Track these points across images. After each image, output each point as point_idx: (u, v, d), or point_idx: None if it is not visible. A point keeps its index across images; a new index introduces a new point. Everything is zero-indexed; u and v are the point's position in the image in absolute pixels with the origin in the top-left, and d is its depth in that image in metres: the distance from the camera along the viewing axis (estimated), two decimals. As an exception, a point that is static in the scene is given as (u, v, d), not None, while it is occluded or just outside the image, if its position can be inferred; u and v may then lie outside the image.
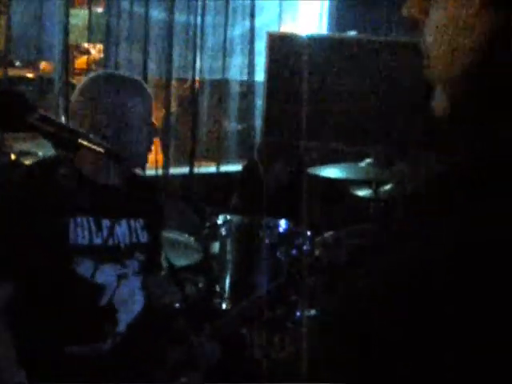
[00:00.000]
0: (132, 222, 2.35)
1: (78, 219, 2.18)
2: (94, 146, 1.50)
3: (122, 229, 2.30)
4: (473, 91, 0.80)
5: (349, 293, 0.81)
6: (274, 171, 4.02)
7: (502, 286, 0.65)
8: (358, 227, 3.14)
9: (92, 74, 2.35)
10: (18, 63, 5.33)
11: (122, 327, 2.29)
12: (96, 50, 5.71)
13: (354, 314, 0.75)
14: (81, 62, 5.78)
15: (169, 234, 3.32)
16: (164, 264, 2.65)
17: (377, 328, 0.72)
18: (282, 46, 5.05)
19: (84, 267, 2.19)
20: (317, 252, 3.07)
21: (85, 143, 1.49)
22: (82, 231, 2.19)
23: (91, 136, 1.56)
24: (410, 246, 0.74)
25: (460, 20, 0.78)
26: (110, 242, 2.26)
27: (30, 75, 5.38)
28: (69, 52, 4.82)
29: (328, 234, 3.11)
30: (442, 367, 0.66)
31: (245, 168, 4.47)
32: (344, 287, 0.85)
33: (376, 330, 0.72)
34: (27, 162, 3.75)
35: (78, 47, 5.75)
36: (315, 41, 5.06)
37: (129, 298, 2.31)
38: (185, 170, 5.19)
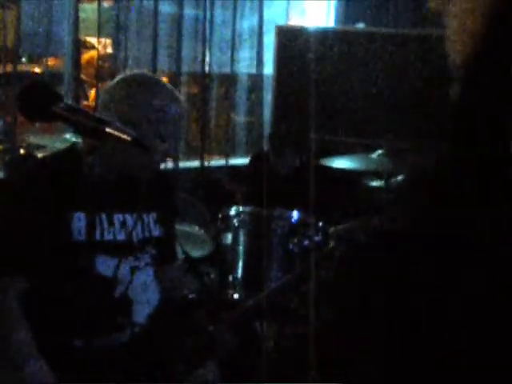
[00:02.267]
0: (145, 217, 2.34)
1: (91, 214, 2.17)
2: (121, 134, 1.51)
3: (134, 224, 2.30)
4: (487, 80, 0.82)
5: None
6: (285, 160, 4.03)
7: None
8: (370, 219, 3.15)
9: (127, 74, 2.33)
10: (25, 58, 5.35)
11: (139, 318, 2.30)
12: (103, 46, 5.71)
13: None
14: (87, 56, 5.79)
15: (180, 227, 3.34)
16: (180, 255, 2.66)
17: None
18: (291, 39, 5.06)
19: (97, 261, 2.20)
20: (330, 243, 3.07)
21: (111, 131, 1.50)
22: (95, 227, 2.20)
23: (118, 125, 1.57)
24: None
25: (476, 9, 0.81)
26: (122, 237, 2.26)
27: (37, 70, 5.40)
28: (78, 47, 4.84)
29: (341, 226, 3.11)
30: None
31: (251, 159, 4.47)
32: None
33: None
34: (39, 154, 3.78)
35: (85, 43, 5.76)
36: (323, 34, 5.07)
37: (143, 289, 2.32)
38: (194, 163, 5.21)
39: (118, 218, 2.26)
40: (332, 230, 3.12)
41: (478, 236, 0.74)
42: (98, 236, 2.21)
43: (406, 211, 0.90)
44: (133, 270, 2.27)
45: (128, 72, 2.37)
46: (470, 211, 0.76)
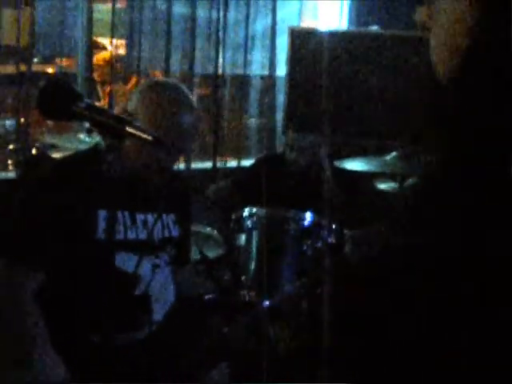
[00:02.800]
0: (165, 217, 2.39)
1: (115, 213, 2.20)
2: (141, 134, 1.52)
3: (155, 223, 2.33)
4: (472, 91, 0.82)
5: None
6: (299, 164, 4.01)
7: None
8: (387, 225, 3.14)
9: (153, 81, 2.42)
10: (38, 59, 5.36)
11: (157, 316, 2.32)
12: (116, 47, 5.72)
13: None
14: (100, 57, 5.79)
15: (195, 228, 3.34)
16: (196, 256, 2.68)
17: None
18: (304, 41, 5.05)
19: (118, 259, 2.21)
20: (346, 248, 3.08)
21: (132, 131, 1.50)
22: (117, 225, 2.22)
23: (139, 125, 1.57)
24: None
25: (458, 23, 0.81)
26: (144, 236, 2.29)
27: (50, 70, 5.41)
28: (92, 47, 4.85)
29: (357, 231, 3.11)
30: None
31: (262, 159, 4.44)
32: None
33: None
34: (54, 155, 3.78)
35: (98, 43, 5.77)
36: (336, 36, 5.06)
37: (163, 288, 2.34)
38: (207, 164, 5.21)
39: (139, 217, 2.30)
40: (348, 234, 3.12)
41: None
42: (121, 234, 2.23)
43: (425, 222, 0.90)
44: (154, 267, 2.30)
45: (154, 79, 2.44)
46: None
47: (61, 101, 1.52)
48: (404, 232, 0.88)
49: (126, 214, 2.27)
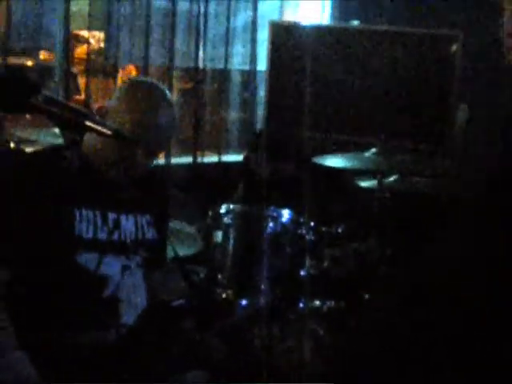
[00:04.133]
0: (139, 218, 2.34)
1: (83, 211, 2.16)
2: (101, 128, 1.46)
3: (128, 224, 2.29)
4: None
5: None
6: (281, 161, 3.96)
7: None
8: (366, 243, 3.14)
9: (130, 80, 2.42)
10: (16, 51, 5.29)
11: (127, 319, 2.27)
12: (95, 40, 5.67)
13: None
14: (80, 51, 5.73)
15: (170, 224, 3.29)
16: (169, 254, 2.63)
17: None
18: (284, 36, 5.01)
19: (87, 259, 2.17)
20: (325, 264, 3.08)
21: (91, 125, 1.45)
22: (86, 224, 2.18)
23: (98, 119, 1.52)
24: None
25: None
26: (116, 236, 2.25)
27: (29, 63, 5.34)
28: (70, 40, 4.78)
29: (336, 249, 3.11)
30: None
31: (245, 158, 4.41)
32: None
33: None
34: (28, 149, 3.72)
35: (77, 36, 5.71)
36: (317, 30, 5.03)
37: (133, 290, 2.30)
38: (187, 159, 5.15)
39: (112, 216, 2.24)
40: (327, 251, 3.10)
41: None
42: (90, 234, 2.18)
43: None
44: (124, 268, 2.25)
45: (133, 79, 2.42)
46: None
47: (17, 93, 1.46)
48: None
49: (97, 212, 2.22)
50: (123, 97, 2.27)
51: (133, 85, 2.38)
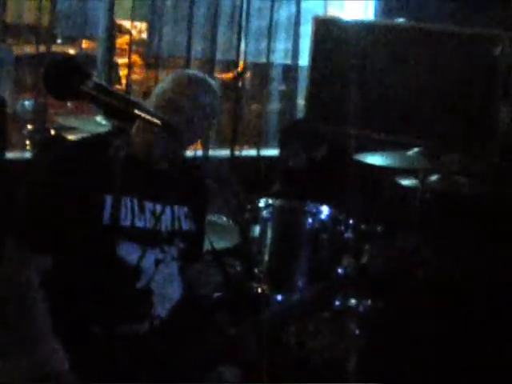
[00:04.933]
0: (176, 209, 2.32)
1: (122, 199, 2.15)
2: (150, 117, 1.45)
3: (165, 214, 2.27)
4: None
5: None
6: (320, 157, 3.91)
7: None
8: (410, 245, 3.12)
9: (178, 72, 2.40)
10: (60, 40, 5.32)
11: (160, 311, 2.25)
12: (137, 31, 5.68)
13: None
14: (122, 41, 5.75)
15: (207, 217, 3.28)
16: (206, 247, 2.62)
17: None
18: (328, 31, 4.98)
19: (123, 248, 2.16)
20: (364, 259, 3.05)
21: (141, 113, 1.43)
22: (124, 212, 2.17)
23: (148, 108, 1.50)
24: None
25: None
26: (152, 226, 2.23)
27: (71, 52, 5.38)
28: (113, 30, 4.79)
29: (381, 250, 3.08)
30: None
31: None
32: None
33: None
34: (70, 136, 3.74)
35: (120, 26, 5.73)
36: (361, 26, 4.98)
37: (167, 282, 2.28)
38: (225, 152, 5.14)
39: (149, 206, 2.23)
40: (368, 247, 3.08)
41: None
42: (128, 222, 2.18)
43: None
44: (157, 262, 2.24)
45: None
46: None
47: (67, 79, 1.45)
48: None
49: (135, 201, 2.21)
50: (166, 84, 2.26)
51: (178, 73, 2.36)
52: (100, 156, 2.00)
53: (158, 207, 2.25)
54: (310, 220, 3.25)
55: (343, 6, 5.68)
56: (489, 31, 4.59)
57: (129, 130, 1.88)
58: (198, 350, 2.33)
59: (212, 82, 2.35)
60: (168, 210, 2.29)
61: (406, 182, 3.73)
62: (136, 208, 2.21)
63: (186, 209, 2.35)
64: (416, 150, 3.42)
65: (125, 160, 1.66)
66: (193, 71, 2.49)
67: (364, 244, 3.26)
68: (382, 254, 3.01)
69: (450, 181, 3.45)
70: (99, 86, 1.46)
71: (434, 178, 3.50)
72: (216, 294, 2.66)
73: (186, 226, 2.34)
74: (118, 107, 1.45)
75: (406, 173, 3.71)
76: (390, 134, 4.60)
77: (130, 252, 2.17)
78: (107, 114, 1.52)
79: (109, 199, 2.12)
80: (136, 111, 1.44)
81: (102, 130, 3.22)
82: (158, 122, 1.46)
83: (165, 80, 2.30)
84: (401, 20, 5.03)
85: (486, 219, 3.50)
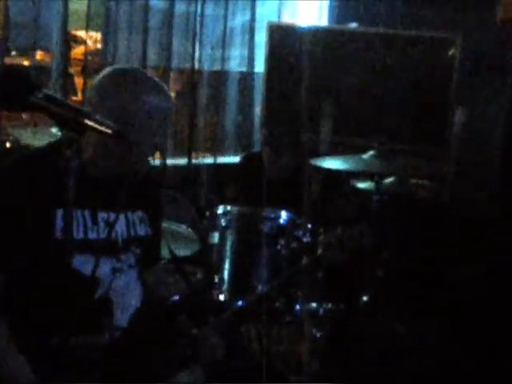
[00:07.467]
0: (130, 215, 2.29)
1: (74, 212, 2.11)
2: (101, 127, 1.44)
3: (119, 223, 2.24)
4: None
5: None
6: (281, 163, 3.90)
7: None
8: (360, 227, 3.09)
9: (109, 68, 2.21)
10: (14, 52, 5.27)
11: (120, 321, 2.24)
12: (92, 40, 5.65)
13: None
14: (77, 51, 5.72)
15: (166, 225, 3.28)
16: (166, 255, 2.61)
17: None
18: (283, 37, 5.01)
19: (78, 261, 2.13)
20: (319, 251, 3.04)
21: (91, 123, 1.43)
22: (76, 225, 2.14)
23: (98, 117, 1.50)
24: None
25: None
26: (106, 236, 2.20)
27: (25, 63, 5.32)
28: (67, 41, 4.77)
29: (331, 234, 3.06)
30: None
31: (244, 157, 4.37)
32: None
33: None
34: (24, 148, 3.71)
35: (74, 37, 5.70)
36: (315, 32, 5.03)
37: (126, 291, 2.26)
38: (182, 161, 5.14)
39: (102, 216, 2.21)
40: (321, 237, 3.07)
41: None
42: (80, 234, 2.15)
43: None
44: (114, 270, 2.22)
45: (117, 66, 2.30)
46: None
47: (17, 90, 1.44)
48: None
49: (87, 212, 2.18)
50: (104, 87, 2.13)
51: (115, 73, 2.18)
52: (50, 168, 1.98)
53: (112, 216, 2.23)
54: (268, 225, 3.26)
55: (297, 11, 5.72)
56: (442, 34, 4.66)
57: (79, 140, 1.85)
58: (161, 354, 2.32)
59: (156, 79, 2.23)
60: (122, 217, 2.26)
61: (361, 185, 3.77)
62: (88, 219, 2.18)
63: (140, 213, 2.32)
64: (371, 152, 3.45)
65: (76, 171, 1.64)
66: (133, 69, 2.32)
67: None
68: (333, 242, 3.00)
69: (405, 183, 3.49)
70: (49, 97, 1.46)
71: (389, 180, 3.54)
72: (175, 298, 2.66)
73: (141, 230, 2.32)
74: (69, 117, 1.44)
75: (363, 176, 3.75)
76: (347, 137, 4.65)
77: (84, 264, 2.14)
78: (59, 125, 1.51)
79: (59, 213, 2.09)
80: (86, 121, 1.44)
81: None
82: (108, 131, 1.46)
83: (106, 83, 2.14)
84: (353, 24, 5.08)
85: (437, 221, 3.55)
